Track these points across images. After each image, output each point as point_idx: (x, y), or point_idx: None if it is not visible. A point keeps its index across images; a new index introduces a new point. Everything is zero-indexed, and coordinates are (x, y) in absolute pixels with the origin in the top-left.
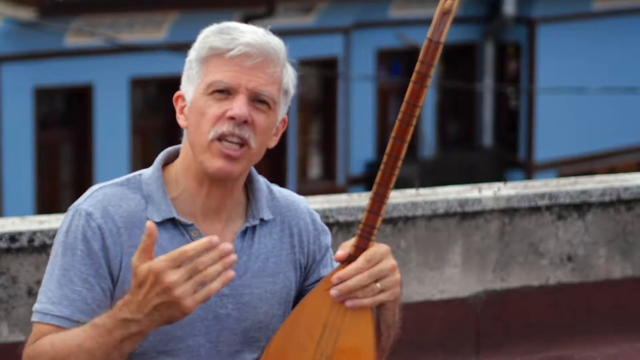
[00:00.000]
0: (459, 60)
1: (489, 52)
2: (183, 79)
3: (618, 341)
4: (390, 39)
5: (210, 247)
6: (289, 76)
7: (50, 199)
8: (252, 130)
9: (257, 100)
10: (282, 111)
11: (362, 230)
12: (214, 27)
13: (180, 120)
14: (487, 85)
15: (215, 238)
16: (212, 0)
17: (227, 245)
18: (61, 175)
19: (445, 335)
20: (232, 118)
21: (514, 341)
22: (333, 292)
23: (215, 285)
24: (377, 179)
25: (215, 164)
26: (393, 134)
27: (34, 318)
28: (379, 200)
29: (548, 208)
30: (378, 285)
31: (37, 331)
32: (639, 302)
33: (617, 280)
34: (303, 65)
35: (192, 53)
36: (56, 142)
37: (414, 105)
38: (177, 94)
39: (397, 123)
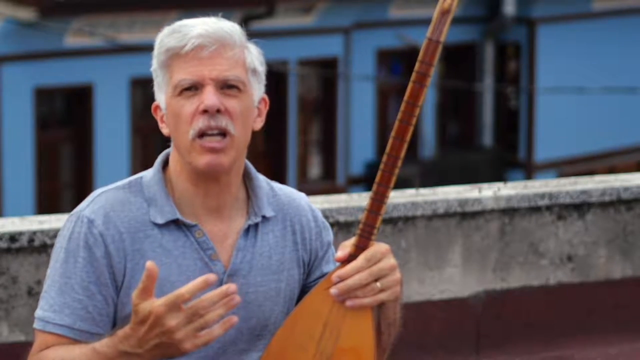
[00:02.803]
0: (459, 60)
1: (489, 52)
2: (155, 89)
3: (618, 341)
4: (390, 39)
5: (205, 287)
6: (253, 55)
7: (50, 199)
8: (229, 117)
9: (225, 87)
10: (256, 91)
11: (362, 230)
12: (165, 30)
13: (163, 129)
14: (487, 85)
15: (211, 277)
16: (211, 0)
17: (231, 287)
18: (61, 175)
19: (445, 335)
20: (205, 111)
21: (514, 341)
22: (333, 290)
23: (217, 331)
24: (377, 179)
25: (202, 160)
26: (393, 133)
27: (36, 325)
28: (378, 200)
29: (548, 208)
30: (378, 284)
31: (40, 340)
32: (639, 302)
33: (617, 280)
34: (303, 65)
35: (154, 62)
36: (56, 142)
37: (414, 105)
38: (153, 105)
39: (396, 123)
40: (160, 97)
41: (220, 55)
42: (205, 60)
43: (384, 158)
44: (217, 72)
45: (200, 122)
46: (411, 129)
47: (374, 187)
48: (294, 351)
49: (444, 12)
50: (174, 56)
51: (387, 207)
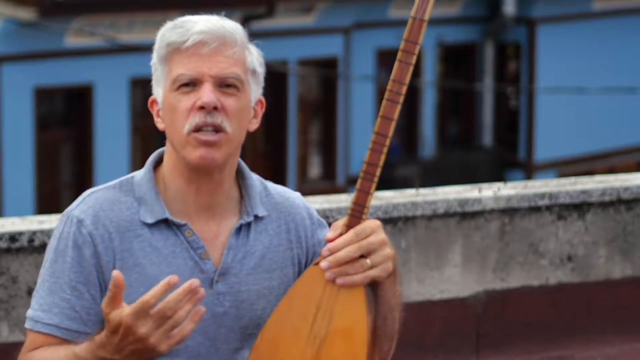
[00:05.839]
0: (459, 60)
1: (489, 52)
2: (153, 83)
3: (618, 341)
4: (390, 39)
5: (169, 288)
6: (253, 56)
7: (50, 199)
8: (224, 115)
9: (224, 85)
10: (254, 92)
11: (353, 210)
12: (168, 24)
13: (158, 123)
14: (487, 85)
15: (174, 279)
16: (212, 0)
17: (194, 282)
18: (61, 175)
19: (445, 335)
20: (201, 107)
21: (514, 341)
22: (323, 264)
23: (188, 327)
24: (367, 158)
25: (196, 153)
26: (381, 112)
27: (26, 324)
28: (368, 179)
29: (548, 208)
30: (368, 261)
31: (30, 340)
32: (639, 302)
33: (617, 280)
34: (303, 65)
35: (154, 55)
36: (56, 142)
37: (400, 83)
38: (150, 99)
39: (384, 102)
40: (158, 91)
41: (220, 53)
42: (206, 57)
43: (373, 137)
44: (216, 69)
45: (197, 118)
46: (399, 107)
47: (364, 166)
48: (288, 334)
49: None
50: (174, 51)
51: (388, 208)
